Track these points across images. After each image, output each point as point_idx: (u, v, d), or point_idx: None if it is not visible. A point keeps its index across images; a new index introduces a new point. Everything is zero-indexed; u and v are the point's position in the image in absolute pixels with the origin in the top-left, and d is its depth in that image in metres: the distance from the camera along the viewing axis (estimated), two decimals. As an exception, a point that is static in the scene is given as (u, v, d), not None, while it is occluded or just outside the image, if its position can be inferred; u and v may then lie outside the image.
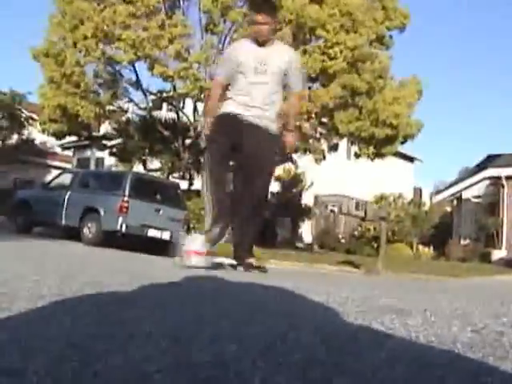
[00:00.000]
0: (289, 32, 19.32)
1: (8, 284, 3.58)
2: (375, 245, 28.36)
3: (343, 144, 30.60)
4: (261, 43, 6.37)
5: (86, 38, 21.09)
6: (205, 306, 3.48)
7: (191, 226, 19.72)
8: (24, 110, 44.10)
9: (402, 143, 23.59)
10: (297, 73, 6.72)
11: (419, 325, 3.08)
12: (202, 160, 23.38)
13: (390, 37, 22.61)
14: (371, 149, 22.59)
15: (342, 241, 33.64)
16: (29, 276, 4.27)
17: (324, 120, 22.29)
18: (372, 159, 23.63)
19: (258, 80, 6.33)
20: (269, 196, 7.03)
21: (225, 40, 21.39)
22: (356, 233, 33.68)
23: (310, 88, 20.20)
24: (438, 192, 40.71)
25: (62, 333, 2.16)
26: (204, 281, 5.76)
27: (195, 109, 23.46)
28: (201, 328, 2.52)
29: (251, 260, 6.93)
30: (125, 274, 5.35)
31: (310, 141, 22.71)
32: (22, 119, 44.20)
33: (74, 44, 21.63)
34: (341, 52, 19.52)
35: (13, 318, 2.38)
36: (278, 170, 31.41)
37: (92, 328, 2.31)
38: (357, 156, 24.15)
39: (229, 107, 6.44)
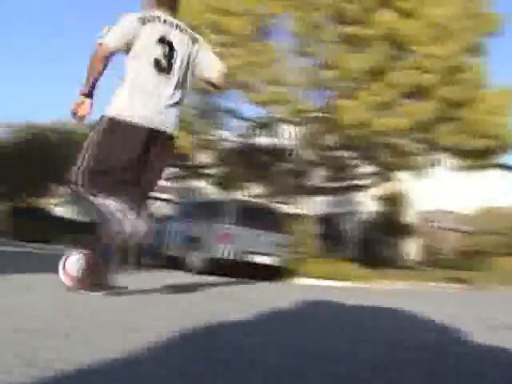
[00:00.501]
0: (382, 48, 19.14)
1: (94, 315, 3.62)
2: (482, 259, 27.71)
3: (443, 158, 30.08)
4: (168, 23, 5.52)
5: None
6: (321, 329, 3.45)
7: (294, 249, 19.68)
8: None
9: (504, 153, 22.95)
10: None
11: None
12: (302, 183, 23.34)
13: (484, 44, 22.10)
14: (472, 161, 22.12)
15: (448, 256, 32.95)
16: (140, 309, 4.34)
17: (422, 135, 21.94)
18: (474, 172, 23.14)
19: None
20: None
21: (317, 60, 21.32)
22: (462, 248, 32.92)
23: (403, 104, 19.91)
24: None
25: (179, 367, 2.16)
26: (317, 306, 5.74)
27: (293, 133, 23.48)
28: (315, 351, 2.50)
29: None
30: (231, 300, 5.38)
31: (410, 157, 22.37)
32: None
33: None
34: (434, 65, 19.21)
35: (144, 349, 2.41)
36: (379, 190, 31.13)
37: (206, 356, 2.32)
38: (458, 169, 23.67)
39: (128, 106, 5.43)
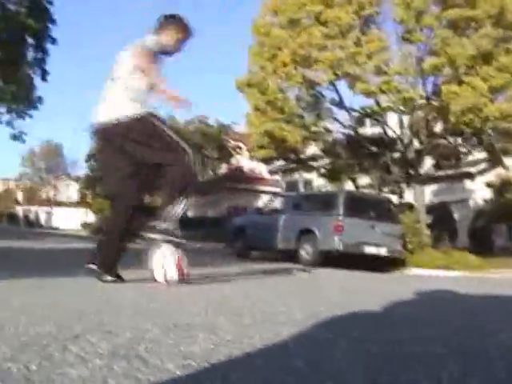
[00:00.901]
0: (491, 30, 18.71)
1: (251, 310, 3.69)
2: None
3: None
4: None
5: (285, 64, 21.54)
6: (474, 322, 3.42)
7: (407, 239, 19.47)
8: (230, 140, 45.73)
9: None
10: None
11: None
12: (411, 172, 23.03)
13: None
14: None
15: None
16: (273, 301, 4.40)
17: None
18: None
19: None
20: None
21: (423, 47, 21.00)
22: None
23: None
24: None
25: (345, 355, 2.19)
26: (440, 295, 5.69)
27: (401, 121, 23.21)
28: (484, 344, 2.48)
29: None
30: (362, 292, 5.39)
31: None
32: (230, 148, 45.86)
33: (275, 71, 22.14)
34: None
35: (288, 343, 2.45)
36: (490, 176, 30.41)
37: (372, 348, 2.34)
38: None
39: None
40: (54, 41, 27.93)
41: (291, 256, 17.96)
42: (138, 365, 1.98)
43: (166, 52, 5.96)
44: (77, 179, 75.41)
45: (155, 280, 5.43)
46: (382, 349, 2.35)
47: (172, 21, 5.98)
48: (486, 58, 18.90)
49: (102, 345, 2.29)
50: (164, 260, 5.47)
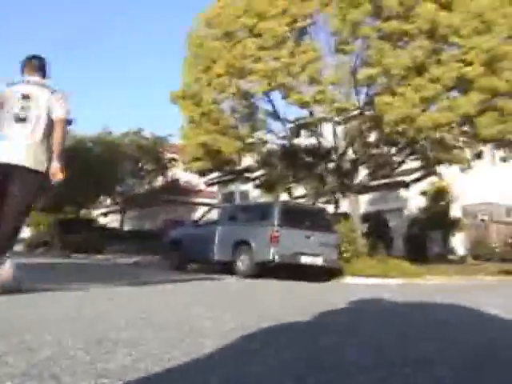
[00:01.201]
0: (425, 42, 18.98)
1: (189, 322, 3.63)
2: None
3: (487, 150, 29.70)
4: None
5: (219, 75, 21.53)
6: (397, 327, 3.41)
7: (343, 248, 19.59)
8: (166, 152, 45.55)
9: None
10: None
11: None
12: (346, 182, 23.21)
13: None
14: (516, 152, 21.82)
15: (497, 250, 32.52)
16: (203, 313, 4.34)
17: (465, 128, 21.66)
18: (518, 162, 22.81)
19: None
20: None
21: (357, 58, 21.21)
22: (510, 240, 32.45)
23: (448, 98, 19.70)
24: None
25: (274, 366, 2.15)
26: (377, 304, 5.70)
27: (334, 132, 23.39)
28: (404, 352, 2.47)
29: None
30: (297, 303, 5.37)
31: (454, 151, 22.12)
32: (165, 161, 45.65)
33: (209, 83, 22.12)
34: (476, 56, 18.98)
35: (214, 355, 2.40)
36: (424, 185, 30.90)
37: (291, 359, 2.30)
38: (503, 160, 23.33)
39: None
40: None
41: (228, 268, 17.92)
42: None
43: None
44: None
45: None
46: (306, 356, 2.31)
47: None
48: (419, 69, 19.15)
49: (20, 364, 2.21)
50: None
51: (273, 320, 3.57)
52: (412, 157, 23.77)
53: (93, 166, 38.88)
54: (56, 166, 6.66)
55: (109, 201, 50.93)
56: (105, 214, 55.88)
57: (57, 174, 6.70)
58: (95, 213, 55.62)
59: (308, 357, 2.37)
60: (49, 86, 7.00)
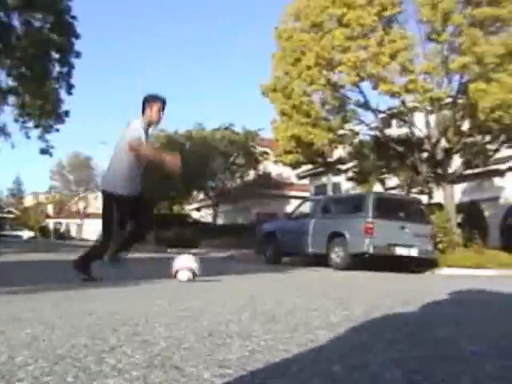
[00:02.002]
0: None
1: (294, 313, 3.66)
2: None
3: None
4: (153, 125, 8.20)
5: (309, 68, 21.48)
6: (505, 317, 3.37)
7: (437, 239, 19.31)
8: (257, 146, 45.74)
9: None
10: None
11: None
12: (440, 171, 22.86)
13: None
14: None
15: None
16: (308, 305, 4.36)
17: None
18: None
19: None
20: None
21: (449, 46, 20.84)
22: None
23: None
24: None
25: (390, 358, 2.15)
26: (480, 295, 5.62)
27: (427, 121, 23.03)
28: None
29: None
30: (398, 294, 5.33)
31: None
32: (257, 155, 45.83)
33: (299, 75, 22.10)
34: None
35: (327, 347, 2.42)
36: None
37: (416, 351, 2.29)
38: None
39: (123, 187, 7.85)
40: (78, 55, 28.32)
41: (322, 260, 17.89)
42: (174, 374, 1.96)
43: (151, 124, 8.04)
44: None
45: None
46: (418, 350, 2.31)
47: (149, 99, 7.94)
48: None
49: (138, 355, 2.28)
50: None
51: (379, 311, 3.57)
52: (507, 144, 23.23)
53: (185, 161, 39.31)
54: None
55: (201, 196, 51.49)
56: (198, 209, 56.56)
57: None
58: (188, 208, 56.33)
59: (426, 348, 2.36)
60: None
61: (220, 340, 2.64)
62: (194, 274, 7.56)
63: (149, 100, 7.95)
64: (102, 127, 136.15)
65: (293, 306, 4.13)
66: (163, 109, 8.03)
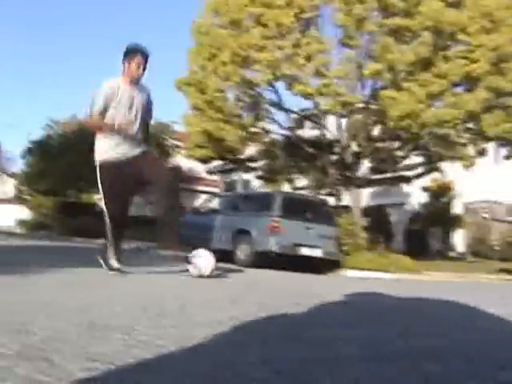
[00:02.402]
0: (429, 38, 18.95)
1: (184, 309, 3.63)
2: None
3: (491, 148, 29.69)
4: (133, 83, 7.41)
5: (224, 64, 21.48)
6: (387, 324, 3.41)
7: (343, 241, 19.59)
8: (169, 139, 45.45)
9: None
10: (152, 107, 7.97)
11: None
12: (348, 175, 23.21)
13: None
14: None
15: (496, 248, 32.58)
16: (199, 301, 4.34)
17: (470, 125, 21.66)
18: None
19: (129, 115, 7.36)
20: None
21: (363, 53, 21.18)
22: (510, 239, 32.49)
23: (454, 94, 19.67)
24: None
25: (261, 358, 2.14)
26: (373, 297, 5.70)
27: (339, 124, 23.34)
28: (394, 347, 2.46)
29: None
30: (293, 294, 5.37)
31: (457, 148, 22.09)
32: (168, 148, 45.52)
33: (214, 71, 22.07)
34: (483, 54, 18.95)
35: (204, 345, 2.40)
36: (426, 181, 30.92)
37: (290, 352, 2.29)
38: (507, 159, 23.30)
39: (104, 153, 7.50)
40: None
41: (227, 256, 17.89)
42: (42, 366, 1.91)
43: (135, 80, 7.40)
44: (13, 175, 73.85)
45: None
46: (292, 351, 2.31)
47: (126, 53, 7.30)
48: (426, 64, 19.15)
49: (11, 345, 2.21)
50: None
51: (267, 310, 3.56)
52: (415, 152, 23.76)
53: (92, 149, 38.65)
54: None
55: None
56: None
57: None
58: (97, 197, 55.62)
59: (301, 349, 2.36)
60: None
61: (100, 333, 2.59)
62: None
63: (126, 54, 7.32)
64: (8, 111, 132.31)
65: (185, 302, 4.09)
66: (144, 62, 7.39)
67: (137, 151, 7.44)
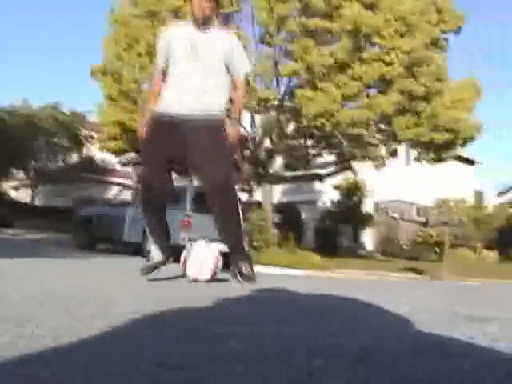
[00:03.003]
0: (347, 43, 19.20)
1: (80, 304, 3.58)
2: (438, 250, 28.10)
3: (402, 149, 30.32)
4: (200, 24, 5.61)
5: (140, 55, 21.29)
6: (296, 318, 3.45)
7: (253, 237, 19.68)
8: (83, 129, 44.77)
9: (462, 146, 23.11)
10: (241, 57, 5.94)
11: (497, 332, 3.00)
12: (261, 171, 23.32)
13: (445, 40, 22.29)
14: (431, 154, 22.30)
15: (404, 247, 33.32)
16: (103, 291, 4.30)
17: (382, 126, 22.06)
18: (432, 164, 23.30)
19: (193, 68, 5.64)
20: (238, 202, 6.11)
21: (282, 50, 21.32)
22: (418, 238, 33.26)
23: (368, 96, 20.01)
24: (502, 193, 40.07)
25: (155, 352, 2.13)
26: (274, 293, 5.75)
27: (253, 120, 23.43)
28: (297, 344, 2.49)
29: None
30: (205, 291, 5.36)
31: (369, 148, 22.49)
32: (82, 138, 44.84)
33: (130, 61, 21.84)
34: (397, 57, 19.32)
35: (96, 340, 2.37)
36: (338, 179, 31.35)
37: (185, 348, 2.28)
38: (417, 161, 23.81)
39: (162, 105, 5.65)
40: None
41: (138, 249, 17.76)
42: None
43: (201, 21, 5.60)
44: None
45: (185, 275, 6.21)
46: (190, 347, 2.32)
47: None
48: (342, 66, 19.40)
49: None
50: (202, 258, 6.29)
51: (165, 306, 3.55)
52: (328, 150, 24.07)
53: (7, 137, 37.91)
54: None
55: (21, 174, 49.90)
56: (16, 188, 54.70)
57: None
58: (6, 186, 54.36)
59: (191, 344, 2.36)
60: None
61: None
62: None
63: None
64: None
65: (84, 298, 4.04)
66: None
67: (207, 113, 5.63)
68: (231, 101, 6.06)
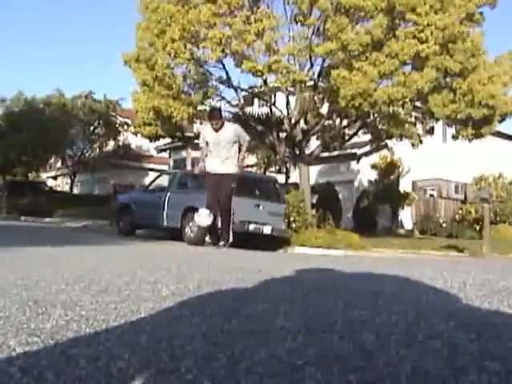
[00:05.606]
0: (382, 20, 18.99)
1: (129, 287, 3.60)
2: (477, 227, 27.87)
3: (438, 127, 30.00)
4: (216, 129, 12.45)
5: (173, 40, 21.21)
6: (329, 298, 3.43)
7: (291, 218, 19.69)
8: (118, 116, 45.01)
9: (500, 122, 22.79)
10: (242, 134, 13.15)
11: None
12: (297, 152, 23.26)
13: (481, 13, 21.93)
14: (469, 130, 21.99)
15: (443, 225, 33.01)
16: (146, 278, 4.32)
17: (418, 104, 21.85)
18: (470, 140, 22.99)
19: (218, 148, 12.56)
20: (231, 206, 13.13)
21: (317, 30, 21.18)
22: (457, 216, 32.95)
23: (404, 74, 19.76)
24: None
25: (199, 331, 2.14)
26: (319, 273, 5.73)
27: (288, 102, 23.35)
28: (333, 319, 2.48)
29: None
30: (238, 270, 5.37)
31: (406, 126, 22.28)
32: (117, 125, 45.10)
33: (163, 48, 21.79)
34: (431, 34, 19.06)
35: (146, 320, 2.39)
36: (375, 158, 31.21)
37: (226, 325, 2.30)
38: (454, 138, 23.51)
39: (208, 166, 12.78)
40: None
41: (177, 234, 17.84)
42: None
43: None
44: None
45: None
46: (231, 324, 2.32)
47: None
48: (377, 44, 19.21)
49: None
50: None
51: (212, 286, 3.56)
52: (363, 130, 23.91)
53: (44, 127, 38.28)
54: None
55: (59, 164, 50.34)
56: (54, 177, 55.26)
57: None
58: (45, 175, 54.93)
59: (239, 322, 2.36)
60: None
61: (42, 309, 2.57)
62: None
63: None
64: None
65: (131, 279, 4.07)
66: (212, 118, 12.57)
67: (225, 171, 12.68)
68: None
